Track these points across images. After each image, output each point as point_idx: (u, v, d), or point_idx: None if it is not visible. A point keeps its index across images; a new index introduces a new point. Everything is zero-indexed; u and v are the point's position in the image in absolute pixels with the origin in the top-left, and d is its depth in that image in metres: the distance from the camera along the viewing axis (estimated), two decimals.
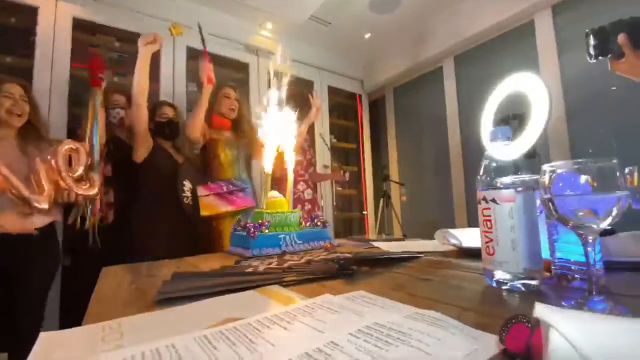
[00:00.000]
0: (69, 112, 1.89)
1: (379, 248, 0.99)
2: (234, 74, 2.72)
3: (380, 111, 3.54)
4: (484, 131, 2.30)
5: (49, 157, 1.21)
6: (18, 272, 1.22)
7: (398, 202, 3.12)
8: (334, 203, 3.07)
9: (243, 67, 2.70)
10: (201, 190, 1.57)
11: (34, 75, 1.83)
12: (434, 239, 0.98)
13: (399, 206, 3.10)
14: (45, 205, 1.07)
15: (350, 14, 2.64)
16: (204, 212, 1.54)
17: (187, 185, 1.58)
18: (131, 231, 1.47)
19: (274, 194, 1.06)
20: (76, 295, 1.62)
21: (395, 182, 2.82)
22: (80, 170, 1.26)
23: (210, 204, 1.56)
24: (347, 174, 2.41)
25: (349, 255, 0.77)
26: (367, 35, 2.89)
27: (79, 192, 1.22)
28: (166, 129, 1.70)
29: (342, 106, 3.50)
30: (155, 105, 1.76)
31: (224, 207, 1.58)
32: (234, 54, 2.63)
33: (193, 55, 2.42)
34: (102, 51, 2.18)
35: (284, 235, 0.95)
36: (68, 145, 1.27)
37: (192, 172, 1.65)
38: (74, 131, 1.91)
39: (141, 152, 1.59)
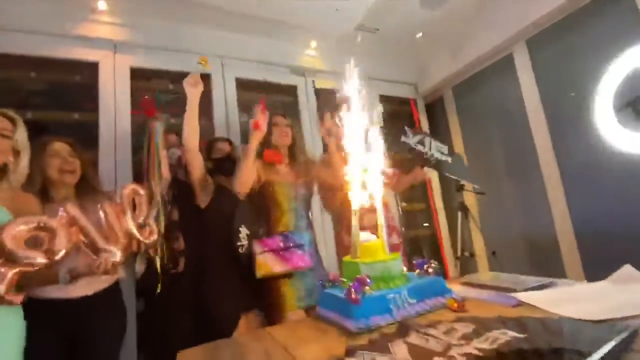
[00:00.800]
0: (132, 162, 1.90)
1: (544, 310, 0.68)
2: (283, 98, 2.63)
3: (438, 114, 3.22)
4: (603, 120, 1.90)
5: (117, 200, 1.14)
6: (84, 337, 1.15)
7: (476, 214, 2.73)
8: (399, 220, 2.79)
9: (291, 90, 2.60)
10: (257, 247, 1.42)
11: (100, 127, 1.88)
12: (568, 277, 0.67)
13: (476, 219, 2.71)
14: (120, 257, 0.99)
15: (398, 15, 2.43)
16: (259, 272, 1.38)
17: (244, 231, 1.44)
18: (200, 280, 1.37)
19: (367, 235, 0.86)
20: (151, 341, 1.57)
21: (476, 192, 2.47)
22: (143, 216, 1.18)
23: (265, 263, 1.39)
24: (427, 172, 2.11)
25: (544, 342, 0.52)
26: (419, 35, 2.64)
27: (142, 240, 1.13)
28: (225, 164, 1.62)
29: (395, 114, 3.24)
30: (210, 142, 1.70)
31: (279, 267, 1.39)
32: (281, 78, 2.54)
33: (242, 85, 2.38)
34: (157, 95, 2.21)
35: (392, 295, 0.73)
36: (132, 187, 1.20)
37: (249, 214, 1.51)
38: (138, 178, 1.92)
39: (203, 198, 1.51)
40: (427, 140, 2.14)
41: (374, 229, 0.90)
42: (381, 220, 0.89)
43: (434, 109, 3.24)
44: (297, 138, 1.69)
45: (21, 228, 0.79)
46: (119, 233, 1.03)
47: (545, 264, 2.37)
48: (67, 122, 1.90)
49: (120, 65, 2.00)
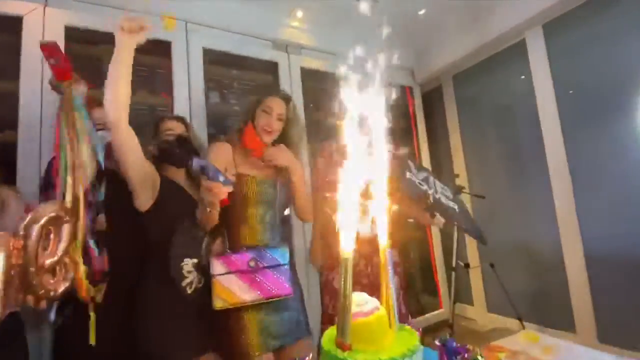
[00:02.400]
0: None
1: None
2: (262, 76, 2.26)
3: (435, 104, 2.91)
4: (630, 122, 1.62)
5: (20, 231, 0.77)
6: None
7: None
8: None
9: (271, 68, 2.23)
10: (217, 266, 1.05)
11: (20, 101, 1.48)
12: None
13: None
14: None
15: None
16: (218, 303, 1.02)
17: (189, 263, 1.08)
18: (132, 315, 1.03)
19: (363, 300, 0.54)
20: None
21: (474, 196, 2.20)
22: (58, 255, 0.82)
23: (228, 289, 1.03)
24: (439, 222, 1.65)
25: None
26: (422, 12, 2.30)
27: (44, 293, 0.78)
28: (176, 150, 1.19)
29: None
30: (155, 122, 1.32)
31: (248, 295, 1.04)
32: (260, 52, 2.17)
33: (211, 57, 2.00)
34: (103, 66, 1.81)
35: None
36: (51, 213, 0.82)
37: (194, 234, 1.12)
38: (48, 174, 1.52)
39: (144, 197, 1.11)
40: (430, 179, 1.71)
41: (372, 285, 0.59)
42: (388, 275, 0.57)
43: (430, 98, 2.93)
44: (288, 127, 1.30)
45: None
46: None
47: (548, 284, 2.15)
48: None
49: (51, 21, 1.58)
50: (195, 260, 1.10)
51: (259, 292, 1.06)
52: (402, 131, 2.85)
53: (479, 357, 0.64)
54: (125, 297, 1.07)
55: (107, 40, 1.76)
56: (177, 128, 1.25)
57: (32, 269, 0.76)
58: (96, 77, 1.82)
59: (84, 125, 0.92)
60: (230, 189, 0.98)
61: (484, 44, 2.33)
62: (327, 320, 1.45)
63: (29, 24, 1.54)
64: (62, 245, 0.83)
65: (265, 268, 1.09)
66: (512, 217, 2.34)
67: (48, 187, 1.07)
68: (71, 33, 1.63)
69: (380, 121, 0.69)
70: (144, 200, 1.12)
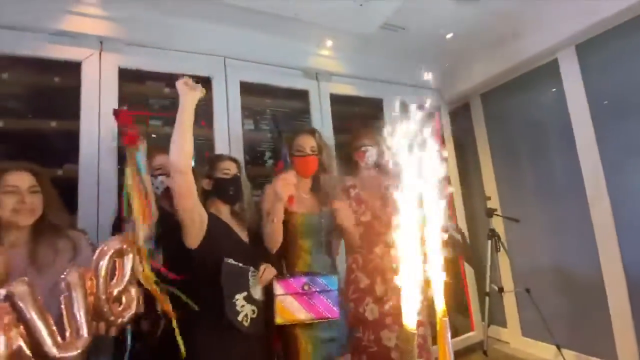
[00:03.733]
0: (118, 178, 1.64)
1: None
2: (293, 104, 2.34)
3: (462, 123, 2.91)
4: None
5: (93, 266, 0.87)
6: None
7: (506, 243, 2.44)
8: None
9: (302, 95, 2.31)
10: (277, 288, 1.22)
11: (81, 138, 1.62)
12: None
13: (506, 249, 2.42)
14: (74, 354, 0.72)
15: (429, 13, 2.11)
16: (280, 318, 1.20)
17: (239, 299, 1.15)
18: (191, 348, 1.10)
19: None
20: None
21: (509, 219, 2.17)
22: (123, 285, 0.91)
23: (287, 308, 1.22)
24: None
25: None
26: (449, 36, 2.32)
27: (114, 320, 0.87)
28: (230, 188, 1.32)
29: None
30: (211, 159, 1.42)
31: (303, 314, 1.23)
32: (291, 82, 2.26)
33: (246, 89, 2.10)
34: (149, 100, 1.95)
35: None
36: (116, 246, 0.92)
37: (244, 271, 1.22)
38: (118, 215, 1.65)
39: (195, 234, 1.19)
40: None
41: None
42: (447, 343, 0.61)
43: (457, 117, 2.93)
44: (324, 159, 1.47)
45: None
46: (84, 320, 0.75)
47: (587, 309, 2.08)
48: (43, 132, 1.65)
49: (107, 65, 1.73)
50: (245, 294, 1.17)
51: (311, 313, 1.24)
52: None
53: None
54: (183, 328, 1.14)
55: (153, 77, 1.93)
56: (233, 169, 1.35)
57: (103, 298, 0.86)
58: (145, 109, 1.98)
59: (144, 181, 1.04)
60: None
61: (514, 65, 2.32)
62: (359, 351, 1.47)
63: (87, 68, 1.70)
64: (127, 276, 0.93)
65: (317, 292, 1.26)
66: (548, 240, 2.29)
67: (118, 227, 1.17)
68: (123, 73, 1.77)
69: (435, 170, 0.70)
70: (194, 238, 1.20)
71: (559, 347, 2.04)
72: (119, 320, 0.90)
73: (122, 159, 1.65)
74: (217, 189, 1.31)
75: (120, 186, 1.59)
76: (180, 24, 1.90)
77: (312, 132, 1.51)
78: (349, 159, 1.73)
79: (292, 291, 1.24)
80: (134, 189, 1.03)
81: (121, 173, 1.62)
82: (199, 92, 1.11)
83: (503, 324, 2.60)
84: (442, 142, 2.81)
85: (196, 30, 1.94)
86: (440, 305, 0.62)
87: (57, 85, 1.70)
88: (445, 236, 0.63)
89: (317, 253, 1.37)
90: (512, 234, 2.37)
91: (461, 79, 2.69)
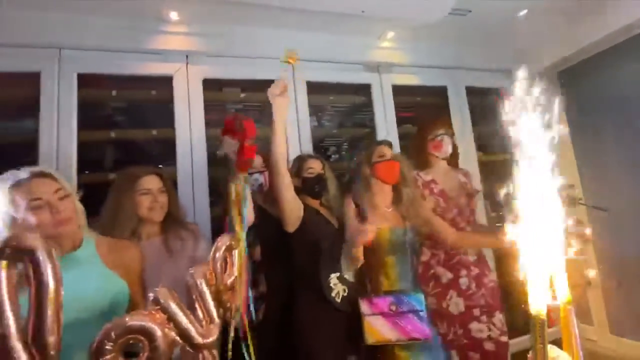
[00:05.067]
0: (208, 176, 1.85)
1: None
2: (356, 98, 2.39)
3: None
4: None
5: (210, 260, 1.02)
6: None
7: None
8: None
9: (364, 89, 2.34)
10: (365, 307, 1.22)
11: (177, 143, 1.85)
12: None
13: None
14: (213, 339, 0.86)
15: None
16: (371, 339, 1.20)
17: (333, 278, 1.26)
18: (288, 330, 1.25)
19: (555, 354, 0.61)
20: None
21: (595, 208, 2.00)
22: (233, 275, 1.06)
23: (376, 330, 1.20)
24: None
25: None
26: (523, 13, 2.17)
27: (230, 306, 1.02)
28: (315, 186, 1.46)
29: (483, 108, 2.80)
30: (298, 159, 1.56)
31: (393, 335, 1.20)
32: (352, 77, 2.30)
33: (312, 88, 2.19)
34: (229, 107, 2.14)
35: None
36: (226, 243, 1.08)
37: (337, 255, 1.29)
38: (213, 195, 1.87)
39: (294, 221, 1.35)
40: None
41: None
42: (573, 332, 0.63)
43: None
44: (404, 168, 1.44)
45: (112, 341, 0.68)
46: (213, 309, 0.90)
47: None
48: (147, 140, 1.92)
49: (193, 77, 1.94)
50: (338, 274, 1.28)
51: (401, 334, 1.21)
52: (495, 136, 2.71)
53: None
54: (280, 314, 1.29)
55: (230, 84, 2.11)
56: (317, 167, 1.46)
57: (222, 287, 1.00)
58: (222, 115, 2.18)
59: (245, 202, 1.16)
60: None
61: (600, 38, 2.10)
62: (446, 346, 1.49)
63: (177, 80, 1.92)
64: (236, 267, 1.07)
65: (405, 312, 1.23)
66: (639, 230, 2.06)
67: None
68: (205, 83, 1.97)
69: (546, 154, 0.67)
70: (293, 223, 1.36)
71: None
72: (234, 306, 1.04)
73: (211, 161, 1.87)
74: (304, 186, 1.45)
75: (211, 179, 1.81)
76: (251, 32, 2.04)
77: (389, 143, 1.50)
78: (419, 150, 1.70)
79: (379, 311, 1.22)
80: (235, 214, 1.17)
81: (212, 171, 1.85)
82: (286, 94, 1.25)
83: (589, 321, 2.42)
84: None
85: (267, 37, 2.07)
86: (564, 293, 0.64)
87: (154, 98, 1.95)
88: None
89: (402, 269, 1.34)
90: (599, 226, 2.17)
91: (534, 59, 2.49)
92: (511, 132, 0.68)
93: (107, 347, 0.63)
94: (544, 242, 0.60)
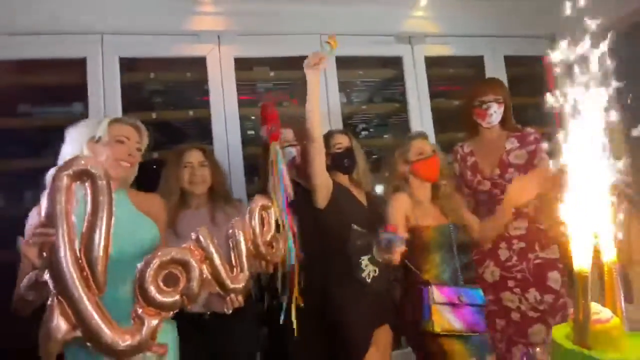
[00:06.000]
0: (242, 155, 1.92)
1: None
2: (386, 72, 2.33)
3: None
4: None
5: (246, 218, 1.09)
6: (226, 351, 1.22)
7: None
8: None
9: (395, 63, 2.28)
10: (436, 295, 1.20)
11: (212, 122, 1.92)
12: None
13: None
14: (241, 285, 0.94)
15: None
16: (437, 328, 1.18)
17: (365, 259, 1.28)
18: (324, 298, 1.31)
19: (598, 309, 0.61)
20: None
21: None
22: (271, 232, 1.12)
23: (445, 318, 1.19)
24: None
25: None
26: None
27: (270, 259, 1.08)
28: (345, 160, 1.47)
29: (522, 79, 2.63)
30: (326, 136, 1.56)
31: (459, 325, 1.20)
32: (382, 50, 2.24)
33: (341, 62, 2.16)
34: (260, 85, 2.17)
35: None
36: (261, 202, 1.14)
37: (369, 236, 1.30)
38: (248, 172, 1.94)
39: (324, 196, 1.38)
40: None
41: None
42: (617, 291, 0.63)
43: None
44: (442, 163, 1.41)
45: (156, 265, 0.76)
46: (244, 259, 0.97)
47: None
48: (184, 120, 2.01)
49: (225, 57, 1.97)
50: (369, 256, 1.31)
51: (465, 325, 1.21)
52: (534, 109, 2.56)
53: None
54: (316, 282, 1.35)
55: (262, 63, 2.13)
56: (344, 141, 1.47)
57: (259, 241, 1.07)
58: (252, 94, 2.22)
59: (280, 169, 1.23)
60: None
61: None
62: None
63: (210, 61, 1.96)
64: (273, 225, 1.13)
65: (469, 305, 1.24)
66: None
67: None
68: (237, 62, 2.00)
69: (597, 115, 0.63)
70: (323, 198, 1.39)
71: None
72: (275, 259, 1.11)
73: (245, 139, 1.93)
74: (333, 162, 1.45)
75: (246, 157, 1.88)
76: (279, 10, 2.02)
77: (425, 136, 1.46)
78: (464, 118, 1.61)
79: (449, 300, 1.21)
80: (273, 174, 1.23)
81: (245, 146, 1.92)
82: (321, 67, 1.27)
83: (629, 299, 2.32)
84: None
85: (294, 13, 2.04)
86: (609, 253, 0.63)
87: (189, 79, 2.02)
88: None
89: (449, 265, 1.32)
90: None
91: (580, 23, 2.28)
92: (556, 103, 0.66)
93: (150, 271, 0.72)
94: (588, 199, 0.59)
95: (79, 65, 1.83)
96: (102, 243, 0.68)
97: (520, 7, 2.29)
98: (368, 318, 1.29)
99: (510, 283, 1.40)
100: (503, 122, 1.51)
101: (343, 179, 1.47)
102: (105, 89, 1.82)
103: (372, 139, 2.58)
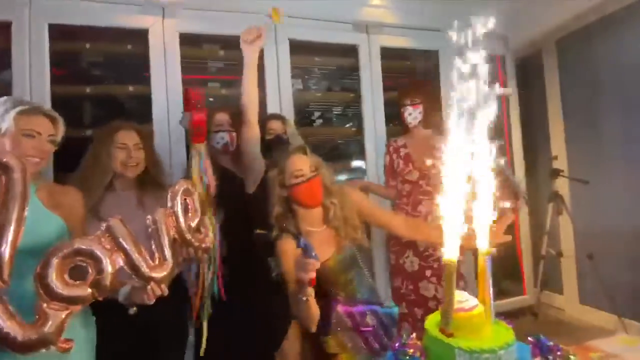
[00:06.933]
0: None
1: None
2: (343, 61, 2.31)
3: (532, 74, 2.61)
4: None
5: (168, 205, 1.04)
6: (155, 330, 1.17)
7: (570, 206, 2.25)
8: None
9: (351, 51, 2.25)
10: (339, 314, 1.06)
11: (153, 101, 1.82)
12: None
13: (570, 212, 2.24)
14: (161, 275, 0.90)
15: None
16: (333, 349, 1.05)
17: (273, 262, 1.23)
18: (246, 288, 1.28)
19: (464, 297, 0.63)
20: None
21: (577, 180, 1.99)
22: (197, 217, 1.07)
23: (342, 341, 1.05)
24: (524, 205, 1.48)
25: None
26: None
27: (199, 245, 1.05)
28: (275, 148, 1.41)
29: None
30: (262, 121, 1.52)
31: (358, 349, 1.05)
32: (340, 37, 2.20)
33: (295, 47, 2.11)
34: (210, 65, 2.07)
35: None
36: (183, 187, 1.09)
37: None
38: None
39: (254, 181, 1.33)
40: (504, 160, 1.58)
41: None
42: (487, 281, 0.64)
43: (526, 67, 2.63)
44: (325, 176, 1.16)
45: (58, 258, 0.71)
46: (166, 248, 0.93)
47: None
48: (123, 96, 1.89)
49: (169, 31, 1.86)
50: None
51: (366, 348, 1.07)
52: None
53: (572, 357, 0.64)
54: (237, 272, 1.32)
55: (210, 40, 2.03)
56: (278, 128, 1.44)
57: (184, 228, 1.03)
58: (205, 72, 2.12)
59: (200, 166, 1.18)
60: (318, 265, 0.91)
61: (600, 2, 1.97)
62: (398, 298, 1.57)
63: (152, 34, 1.84)
64: (198, 210, 1.08)
65: (377, 327, 1.08)
66: (620, 204, 2.06)
67: None
68: (183, 38, 1.89)
69: (486, 112, 0.67)
70: (252, 182, 1.35)
71: (620, 317, 1.92)
72: (203, 245, 1.07)
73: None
74: (264, 149, 1.38)
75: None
76: None
77: (304, 150, 1.18)
78: (399, 118, 1.72)
79: (354, 322, 1.06)
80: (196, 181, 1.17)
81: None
82: (259, 43, 1.20)
83: (559, 290, 2.49)
84: (506, 97, 2.57)
85: None
86: (483, 244, 0.65)
87: (130, 53, 1.89)
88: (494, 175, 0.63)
89: (360, 281, 1.15)
90: (578, 197, 2.17)
91: (532, 23, 2.36)
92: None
93: (52, 264, 0.69)
94: (459, 195, 0.60)
95: (4, 29, 1.66)
96: (11, 237, 0.65)
97: (472, 3, 2.32)
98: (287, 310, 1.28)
99: (428, 272, 1.46)
100: (425, 123, 1.59)
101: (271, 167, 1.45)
102: (31, 57, 1.67)
103: (330, 128, 2.56)
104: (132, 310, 0.90)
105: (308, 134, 2.31)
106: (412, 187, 1.56)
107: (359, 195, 1.29)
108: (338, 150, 2.49)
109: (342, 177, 2.51)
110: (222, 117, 1.43)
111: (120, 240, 0.80)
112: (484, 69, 0.68)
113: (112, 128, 1.24)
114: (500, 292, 2.50)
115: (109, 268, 0.77)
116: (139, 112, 1.88)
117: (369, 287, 1.19)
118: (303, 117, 2.35)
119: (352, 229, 1.16)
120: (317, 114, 2.44)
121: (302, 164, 1.12)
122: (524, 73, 2.61)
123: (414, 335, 0.64)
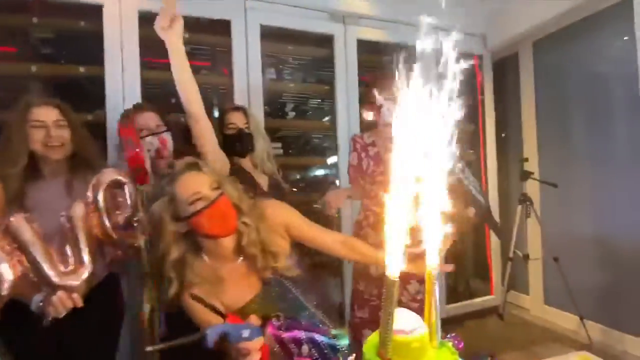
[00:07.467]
0: None
1: None
2: (318, 51, 2.21)
3: (509, 74, 2.60)
4: None
5: (89, 198, 0.92)
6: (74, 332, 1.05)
7: (540, 209, 2.26)
8: None
9: (326, 41, 2.16)
10: (269, 337, 0.75)
11: (106, 84, 1.67)
12: None
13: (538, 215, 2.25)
14: (77, 282, 0.79)
15: None
16: None
17: None
18: None
19: (407, 319, 0.55)
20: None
21: (546, 183, 1.99)
22: (127, 212, 0.96)
23: None
24: (471, 211, 1.37)
25: None
26: None
27: (131, 244, 0.94)
28: (236, 144, 1.34)
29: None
30: (220, 114, 1.42)
31: None
32: (315, 25, 2.10)
33: (267, 34, 2.00)
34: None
35: None
36: (110, 177, 0.94)
37: None
38: None
39: None
40: (466, 169, 1.44)
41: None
42: (434, 300, 0.57)
43: (503, 68, 2.62)
44: (232, 194, 0.93)
45: None
46: (84, 250, 0.81)
47: (620, 282, 1.93)
48: (73, 77, 1.72)
49: (127, 8, 1.71)
50: None
51: None
52: (465, 108, 2.61)
53: None
54: None
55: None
56: (239, 121, 1.33)
57: (108, 226, 0.91)
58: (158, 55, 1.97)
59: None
60: (262, 339, 0.73)
61: (579, 4, 1.96)
62: (360, 303, 1.50)
63: (108, 11, 1.69)
64: (130, 204, 0.94)
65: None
66: (588, 208, 2.08)
67: None
68: (143, 18, 1.74)
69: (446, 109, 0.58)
70: None
71: (582, 318, 1.95)
72: (136, 244, 0.95)
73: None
74: (225, 144, 1.28)
75: None
76: None
77: (195, 165, 0.92)
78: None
79: (285, 350, 0.78)
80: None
81: None
82: (177, 27, 1.01)
83: (525, 291, 2.53)
84: (481, 96, 2.55)
85: None
86: (432, 258, 0.59)
87: (83, 30, 1.72)
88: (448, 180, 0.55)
89: (297, 313, 0.89)
90: (548, 200, 2.19)
91: (510, 23, 2.34)
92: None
93: None
94: (404, 210, 0.53)
95: None
96: None
97: (454, 2, 2.27)
98: None
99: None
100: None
101: (244, 161, 1.36)
102: None
103: (304, 121, 2.46)
104: (46, 322, 0.78)
105: (280, 127, 2.22)
106: (379, 187, 1.49)
107: (282, 210, 1.02)
108: (311, 145, 2.40)
109: (316, 173, 2.44)
110: (147, 118, 1.19)
111: (24, 241, 0.69)
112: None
113: (26, 104, 1.07)
114: (468, 292, 2.51)
115: (8, 275, 0.67)
116: (91, 96, 1.72)
117: (310, 317, 0.92)
118: (275, 108, 2.24)
119: (272, 257, 0.91)
120: (290, 105, 2.34)
121: (198, 185, 0.85)
122: (502, 73, 2.60)
123: (352, 357, 0.56)
